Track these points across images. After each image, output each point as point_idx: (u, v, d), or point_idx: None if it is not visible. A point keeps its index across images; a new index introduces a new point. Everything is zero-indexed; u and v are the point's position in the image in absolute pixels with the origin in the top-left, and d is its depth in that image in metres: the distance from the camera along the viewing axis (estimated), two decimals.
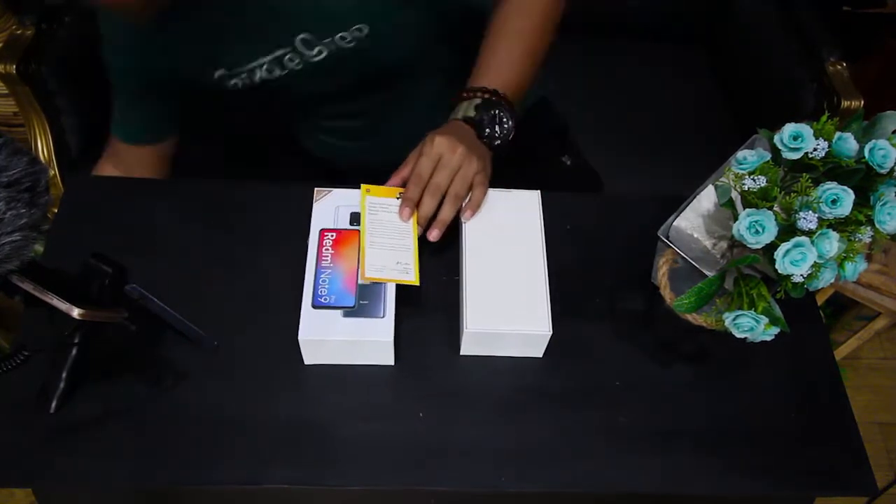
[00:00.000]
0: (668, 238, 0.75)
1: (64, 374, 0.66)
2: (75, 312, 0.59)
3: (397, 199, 0.79)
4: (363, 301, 0.72)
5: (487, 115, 0.83)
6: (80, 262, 0.65)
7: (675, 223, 0.75)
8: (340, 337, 0.71)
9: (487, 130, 0.83)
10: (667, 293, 0.73)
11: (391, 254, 0.75)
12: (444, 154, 0.78)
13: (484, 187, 0.80)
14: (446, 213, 0.78)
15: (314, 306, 0.71)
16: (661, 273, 0.74)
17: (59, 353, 0.66)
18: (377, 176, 0.80)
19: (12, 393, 0.70)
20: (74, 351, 0.66)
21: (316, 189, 0.80)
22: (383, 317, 0.72)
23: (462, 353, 0.76)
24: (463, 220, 0.79)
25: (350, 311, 0.72)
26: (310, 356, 0.74)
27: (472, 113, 0.83)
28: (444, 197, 0.78)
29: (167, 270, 0.78)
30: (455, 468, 0.70)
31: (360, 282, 0.73)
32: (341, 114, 1.00)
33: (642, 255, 0.82)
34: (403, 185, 0.79)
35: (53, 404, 0.66)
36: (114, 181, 0.95)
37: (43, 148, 1.25)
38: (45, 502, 0.81)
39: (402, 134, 0.87)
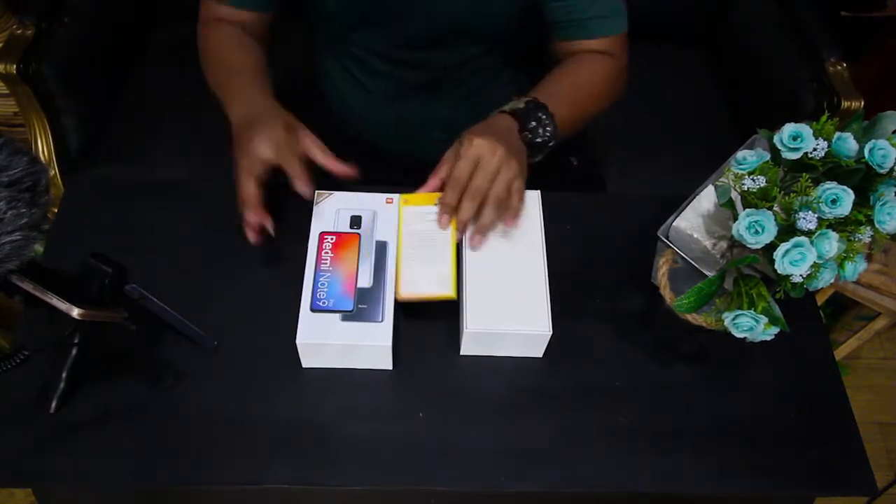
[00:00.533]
0: (668, 238, 0.75)
1: (64, 374, 0.66)
2: (75, 312, 0.59)
3: (435, 205, 0.77)
4: (362, 305, 0.72)
5: (534, 114, 0.82)
6: (80, 262, 0.65)
7: (675, 223, 0.75)
8: (338, 341, 0.71)
9: (533, 124, 0.81)
10: (667, 293, 0.73)
11: (427, 268, 0.74)
12: (484, 156, 0.75)
13: (521, 193, 0.77)
14: (488, 219, 0.75)
15: (313, 310, 0.71)
16: (661, 273, 0.74)
17: (59, 353, 0.66)
18: (378, 173, 0.79)
19: (12, 393, 0.70)
20: (74, 351, 0.66)
21: (317, 192, 0.80)
22: (382, 321, 0.71)
23: (462, 353, 0.76)
24: (507, 228, 0.77)
25: (348, 316, 0.72)
26: (308, 360, 0.74)
27: (521, 105, 0.82)
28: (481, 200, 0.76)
29: (167, 270, 0.78)
30: (455, 468, 0.70)
31: (358, 285, 0.73)
32: (403, 60, 0.98)
33: (642, 255, 0.82)
34: (441, 188, 0.77)
35: (53, 404, 0.66)
36: (114, 181, 0.95)
37: (43, 148, 1.25)
38: (45, 502, 0.81)
39: (437, 125, 0.85)
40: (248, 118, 0.79)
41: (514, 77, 0.95)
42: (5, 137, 0.54)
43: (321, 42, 1.05)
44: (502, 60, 1.02)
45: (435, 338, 0.77)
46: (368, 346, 0.71)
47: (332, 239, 0.76)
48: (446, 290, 0.73)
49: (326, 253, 0.75)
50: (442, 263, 0.74)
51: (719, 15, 1.50)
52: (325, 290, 0.73)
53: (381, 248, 0.76)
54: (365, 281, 0.74)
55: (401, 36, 0.95)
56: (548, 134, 0.82)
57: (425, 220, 0.77)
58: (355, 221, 0.78)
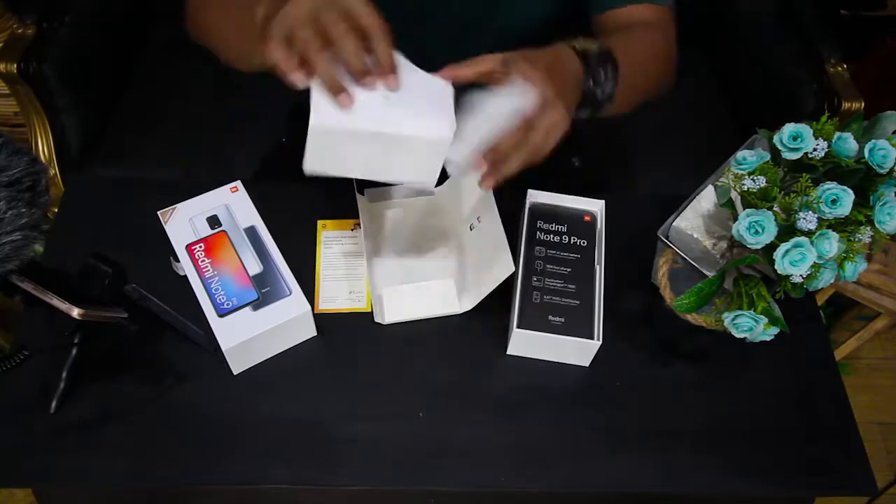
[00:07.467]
0: (668, 238, 0.75)
1: (64, 374, 0.66)
2: (75, 312, 0.59)
3: (352, 231, 0.82)
4: (265, 289, 0.73)
5: (604, 66, 0.69)
6: (80, 262, 0.65)
7: (675, 223, 0.75)
8: (263, 328, 0.71)
9: (602, 77, 0.68)
10: (667, 293, 0.73)
11: (343, 285, 0.79)
12: (556, 127, 0.62)
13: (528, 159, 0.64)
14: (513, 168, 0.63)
15: (221, 315, 0.71)
16: (661, 273, 0.74)
17: (59, 353, 0.66)
18: None
19: (12, 393, 0.70)
20: (74, 351, 0.66)
21: (159, 212, 0.80)
22: (291, 293, 0.73)
23: (509, 352, 0.76)
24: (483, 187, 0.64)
25: (258, 304, 0.72)
26: (237, 364, 0.73)
27: (594, 48, 0.69)
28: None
29: (167, 270, 0.78)
30: (455, 468, 0.70)
31: (251, 274, 0.74)
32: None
33: (642, 255, 0.82)
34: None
35: (53, 404, 0.66)
36: (114, 181, 0.95)
37: (43, 147, 1.25)
38: (46, 502, 0.81)
39: None
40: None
41: None
42: (5, 137, 0.54)
43: None
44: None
45: (436, 338, 0.77)
46: (292, 320, 0.72)
47: (201, 247, 0.76)
48: (362, 305, 0.78)
49: (203, 261, 0.75)
50: (358, 280, 0.79)
51: (719, 15, 1.50)
52: (223, 293, 0.73)
53: (252, 232, 0.78)
54: (255, 268, 0.74)
55: (434, 36, 0.91)
56: (607, 92, 0.69)
57: (341, 244, 0.82)
58: (213, 221, 0.79)
